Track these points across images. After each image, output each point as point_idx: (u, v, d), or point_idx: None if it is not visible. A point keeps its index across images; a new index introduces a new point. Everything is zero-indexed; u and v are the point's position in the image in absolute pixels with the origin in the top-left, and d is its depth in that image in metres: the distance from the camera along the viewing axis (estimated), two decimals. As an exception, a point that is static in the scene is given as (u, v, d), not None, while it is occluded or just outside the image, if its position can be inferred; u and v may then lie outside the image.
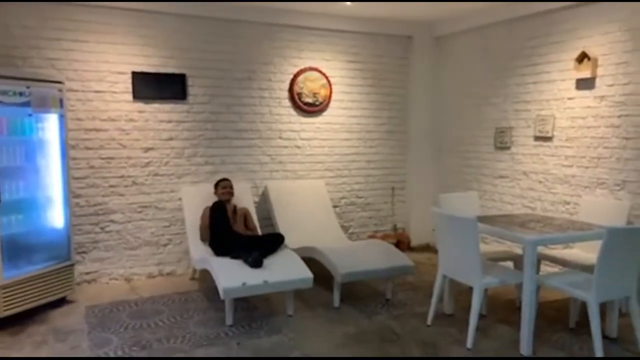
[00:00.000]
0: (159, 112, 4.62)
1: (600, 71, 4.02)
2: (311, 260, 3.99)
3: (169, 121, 4.67)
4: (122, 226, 4.54)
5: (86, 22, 4.31)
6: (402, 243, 5.60)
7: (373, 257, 4.03)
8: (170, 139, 4.69)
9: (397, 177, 5.85)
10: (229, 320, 3.54)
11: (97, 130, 4.41)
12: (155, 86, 4.55)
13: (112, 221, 4.51)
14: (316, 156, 5.38)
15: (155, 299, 4.09)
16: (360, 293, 4.22)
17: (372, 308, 3.90)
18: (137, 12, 4.45)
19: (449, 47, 5.62)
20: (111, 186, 4.49)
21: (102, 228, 4.48)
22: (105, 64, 4.39)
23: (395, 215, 5.85)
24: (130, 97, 4.48)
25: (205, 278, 4.33)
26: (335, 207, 5.34)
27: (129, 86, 4.47)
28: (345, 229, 5.43)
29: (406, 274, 4.15)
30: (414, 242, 5.80)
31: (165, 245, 4.73)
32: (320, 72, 5.26)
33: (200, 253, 4.13)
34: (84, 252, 4.42)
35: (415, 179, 5.84)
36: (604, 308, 3.26)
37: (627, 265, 2.98)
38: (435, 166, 5.84)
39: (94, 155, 4.42)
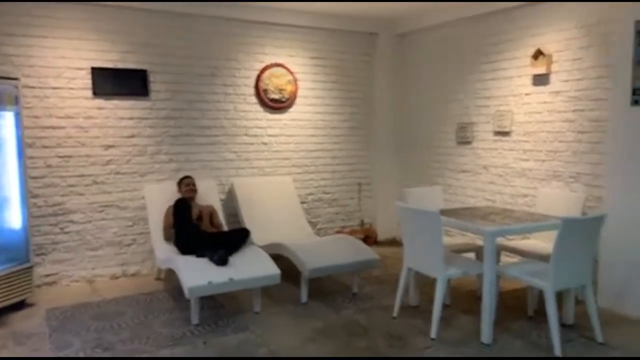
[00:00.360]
0: (120, 108, 4.51)
1: (555, 67, 4.16)
2: (279, 257, 3.99)
3: (131, 118, 4.57)
4: (83, 226, 4.42)
5: (43, 17, 4.17)
6: (369, 238, 5.67)
7: (340, 252, 4.06)
8: (132, 136, 4.59)
9: (363, 173, 5.90)
10: (194, 320, 3.50)
11: (55, 127, 4.28)
12: (116, 82, 4.44)
13: (72, 221, 4.38)
14: (283, 152, 5.37)
15: (119, 300, 4.01)
16: (328, 288, 4.24)
17: (340, 302, 3.93)
18: (95, 6, 4.33)
19: (412, 44, 5.70)
20: (70, 185, 4.36)
21: (61, 229, 4.35)
22: (62, 60, 4.26)
23: (362, 211, 5.91)
24: (89, 93, 4.36)
25: (170, 278, 4.27)
26: (302, 203, 5.35)
27: (88, 82, 4.35)
28: (312, 224, 5.45)
29: (372, 268, 4.20)
30: (381, 237, 5.88)
31: (128, 245, 4.63)
32: (286, 68, 5.25)
33: (165, 252, 4.06)
34: (43, 254, 4.29)
35: (381, 175, 5.92)
36: (561, 296, 3.39)
37: (581, 254, 3.11)
38: (401, 161, 5.93)
39: (51, 154, 4.28)
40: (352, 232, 5.51)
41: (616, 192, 3.65)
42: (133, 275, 4.65)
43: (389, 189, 5.86)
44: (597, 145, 3.90)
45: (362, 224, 5.90)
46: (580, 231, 3.04)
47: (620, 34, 3.58)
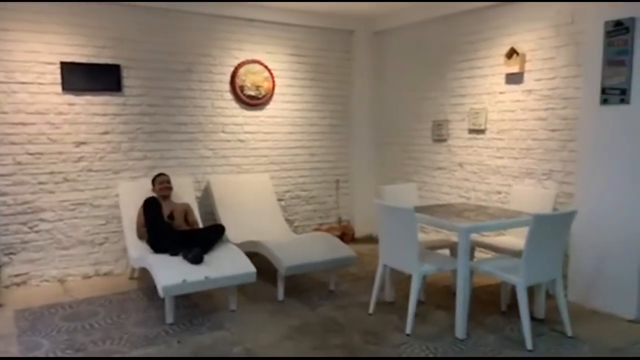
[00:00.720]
0: (92, 104, 4.41)
1: (528, 66, 4.23)
2: (256, 255, 3.97)
3: (104, 114, 4.48)
4: (53, 225, 4.32)
5: (9, 9, 4.04)
6: (346, 235, 5.68)
7: (316, 249, 4.06)
8: (105, 132, 4.50)
9: (341, 170, 5.91)
10: (169, 319, 3.46)
11: (24, 124, 4.16)
12: (87, 77, 4.34)
13: (42, 220, 4.27)
14: (260, 150, 5.34)
15: (91, 300, 3.93)
16: (304, 285, 4.24)
17: (316, 300, 3.93)
18: (70, 1, 4.22)
19: (389, 42, 5.72)
20: (40, 183, 4.25)
21: (31, 227, 4.24)
22: (31, 54, 4.14)
23: (339, 208, 5.92)
24: (59, 88, 4.25)
25: (144, 277, 4.20)
26: (280, 200, 5.33)
27: (58, 77, 4.24)
28: (290, 222, 5.44)
29: (349, 265, 4.21)
30: (358, 234, 5.90)
31: (101, 244, 4.54)
32: (263, 64, 5.22)
33: (138, 251, 4.00)
34: (12, 254, 4.18)
35: (358, 172, 5.93)
36: (533, 291, 3.46)
37: (552, 249, 3.17)
38: (378, 159, 5.96)
39: (20, 151, 4.16)
40: (329, 230, 5.52)
41: (586, 189, 3.74)
42: (106, 274, 4.56)
43: (367, 186, 5.88)
44: (568, 143, 3.98)
45: (339, 221, 5.91)
46: (551, 227, 3.10)
47: (590, 34, 3.65)
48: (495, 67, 4.49)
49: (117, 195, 4.46)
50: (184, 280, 3.33)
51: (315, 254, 3.97)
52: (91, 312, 3.67)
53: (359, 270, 4.60)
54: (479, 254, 4.28)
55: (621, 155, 3.50)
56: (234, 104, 5.13)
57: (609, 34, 3.52)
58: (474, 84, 4.73)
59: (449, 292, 3.96)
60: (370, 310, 3.63)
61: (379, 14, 5.55)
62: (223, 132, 5.09)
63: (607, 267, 3.62)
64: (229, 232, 4.54)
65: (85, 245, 4.47)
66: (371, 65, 5.86)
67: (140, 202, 4.22)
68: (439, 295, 3.99)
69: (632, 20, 3.38)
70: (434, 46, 5.13)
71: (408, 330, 3.27)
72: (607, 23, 3.53)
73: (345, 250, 4.11)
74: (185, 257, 3.57)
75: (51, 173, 4.29)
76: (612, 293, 3.59)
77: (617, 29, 3.47)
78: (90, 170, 4.45)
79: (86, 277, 4.48)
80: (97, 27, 4.38)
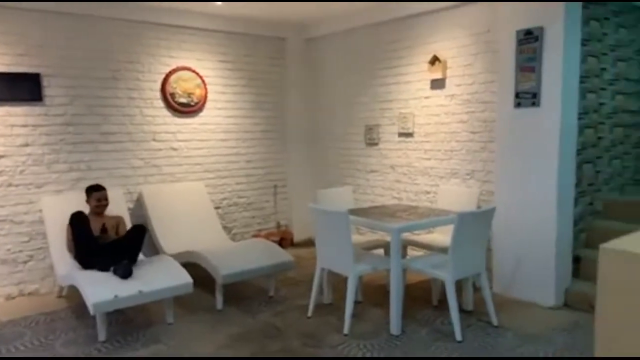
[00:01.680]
0: (10, 115, 4.17)
1: (449, 72, 4.47)
2: (194, 265, 3.91)
3: (24, 125, 4.24)
4: (-30, 245, 4.04)
5: None
6: (285, 240, 5.72)
7: (253, 256, 4.06)
8: (26, 144, 4.26)
9: (278, 176, 5.94)
10: (101, 337, 3.34)
11: None
12: (5, 87, 4.08)
13: (-43, 240, 3.99)
14: (194, 158, 5.26)
15: (16, 321, 3.71)
16: (244, 293, 4.23)
17: (256, 307, 3.94)
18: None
19: (320, 48, 5.83)
20: (-47, 201, 3.97)
21: (-57, 249, 3.94)
22: (-62, 62, 3.86)
23: (278, 213, 5.95)
24: (-28, 99, 4.00)
25: (74, 295, 4.01)
26: (217, 208, 5.27)
27: (-29, 87, 3.98)
28: (228, 230, 5.40)
29: (287, 270, 4.24)
30: (297, 238, 5.95)
31: (25, 262, 4.29)
32: (194, 71, 5.15)
33: (65, 268, 3.82)
34: None
35: (295, 176, 5.99)
36: (461, 285, 3.66)
37: (476, 245, 3.38)
38: (314, 163, 6.05)
39: None
40: (268, 235, 5.53)
41: (504, 186, 4.01)
42: (31, 294, 4.31)
43: (305, 191, 5.94)
44: (488, 144, 4.25)
45: (278, 226, 5.94)
46: (474, 224, 3.30)
47: (504, 42, 3.93)
48: (420, 73, 4.71)
49: (40, 211, 4.23)
50: (116, 296, 3.22)
51: (253, 261, 3.98)
52: (16, 334, 3.47)
53: (298, 274, 4.64)
54: (412, 251, 4.46)
55: (534, 154, 3.79)
56: (165, 112, 5.03)
57: (520, 42, 3.81)
58: (401, 89, 4.93)
59: (385, 291, 4.09)
60: (309, 313, 3.69)
61: (309, 21, 5.64)
62: (154, 140, 4.97)
63: (526, 258, 3.90)
64: (164, 244, 4.46)
65: (7, 265, 4.20)
66: (304, 71, 5.95)
67: (67, 217, 4.02)
68: (375, 294, 4.12)
69: (541, 29, 3.67)
70: (363, 53, 5.29)
71: (346, 330, 3.36)
72: (518, 32, 3.81)
73: (283, 255, 4.14)
74: (115, 273, 3.46)
75: (-35, 189, 4.01)
76: (533, 283, 3.87)
77: (527, 38, 3.76)
78: (10, 185, 4.20)
79: (9, 298, 4.21)
80: (16, 34, 4.15)
